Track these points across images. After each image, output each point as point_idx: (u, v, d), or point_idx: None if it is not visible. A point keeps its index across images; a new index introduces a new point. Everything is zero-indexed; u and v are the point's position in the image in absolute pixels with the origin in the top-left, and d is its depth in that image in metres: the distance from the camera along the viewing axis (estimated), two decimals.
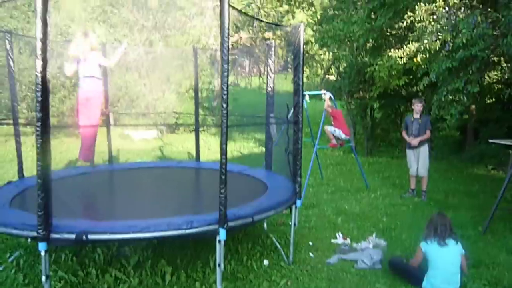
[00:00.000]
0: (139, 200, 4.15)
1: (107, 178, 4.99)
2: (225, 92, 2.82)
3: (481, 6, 6.58)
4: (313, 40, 14.77)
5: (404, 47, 6.80)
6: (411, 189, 6.94)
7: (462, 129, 13.75)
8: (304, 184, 6.73)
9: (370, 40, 10.52)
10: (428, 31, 6.29)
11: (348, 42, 11.65)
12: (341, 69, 14.32)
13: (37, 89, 2.60)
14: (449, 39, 6.17)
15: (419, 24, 6.67)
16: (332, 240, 4.76)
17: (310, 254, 4.34)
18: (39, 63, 2.60)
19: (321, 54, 16.36)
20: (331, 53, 13.99)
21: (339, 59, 11.95)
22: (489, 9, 6.52)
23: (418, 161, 6.70)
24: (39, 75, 2.60)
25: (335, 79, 16.41)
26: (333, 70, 16.65)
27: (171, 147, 12.20)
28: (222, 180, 2.85)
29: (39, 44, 2.57)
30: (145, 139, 13.12)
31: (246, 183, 4.67)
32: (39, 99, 2.61)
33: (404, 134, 6.91)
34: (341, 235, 4.84)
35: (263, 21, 10.64)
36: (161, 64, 14.12)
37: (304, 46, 12.93)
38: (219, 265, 2.97)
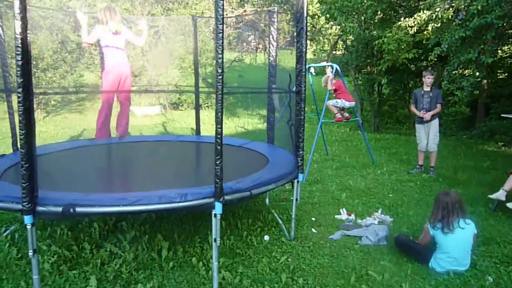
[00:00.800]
0: (134, 173, 4.01)
1: (104, 152, 4.83)
2: (220, 56, 2.61)
3: None
4: (319, 13, 14.31)
5: (415, 16, 6.46)
6: (419, 165, 6.73)
7: (472, 104, 13.40)
8: (309, 159, 6.55)
9: (379, 11, 10.09)
10: None
11: (355, 14, 11.23)
12: (348, 43, 13.92)
13: (17, 52, 2.40)
14: (462, 7, 5.83)
15: None
16: (336, 216, 4.60)
17: (313, 230, 4.20)
18: (18, 24, 2.39)
19: (327, 28, 15.88)
20: (338, 27, 13.54)
21: (346, 33, 11.52)
22: None
23: (428, 136, 6.47)
24: (18, 37, 2.40)
25: (342, 54, 16.02)
26: (340, 45, 16.22)
27: (174, 123, 12.02)
28: (218, 151, 2.67)
29: (17, 3, 2.35)
30: (148, 114, 12.95)
31: (246, 157, 4.50)
32: (20, 63, 2.41)
33: (413, 108, 6.63)
34: (345, 211, 4.69)
35: None
36: (163, 38, 13.82)
37: (311, 20, 12.46)
38: (215, 240, 2.82)
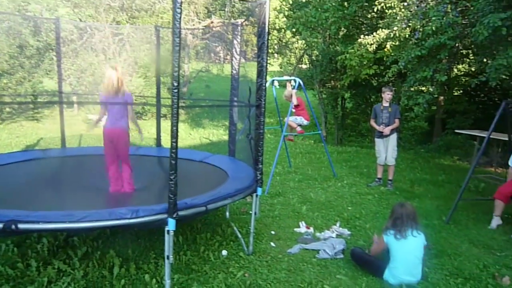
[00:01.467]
0: (86, 188, 3.85)
1: (56, 165, 4.63)
2: (176, 69, 2.57)
3: None
4: (286, 27, 14.56)
5: (374, 33, 6.68)
6: (378, 178, 6.89)
7: (430, 120, 13.95)
8: (271, 172, 6.57)
9: (342, 27, 10.38)
10: (398, 18, 6.18)
11: (320, 29, 11.50)
12: (313, 57, 14.22)
13: None
14: (418, 27, 6.08)
15: (390, 11, 6.56)
16: (295, 229, 4.61)
17: (272, 243, 4.18)
18: None
19: (293, 42, 16.17)
20: (303, 42, 13.83)
21: (311, 47, 11.77)
22: None
23: (387, 150, 6.64)
24: None
25: (307, 68, 16.33)
26: (305, 58, 16.55)
27: (136, 133, 11.74)
28: (173, 166, 2.61)
29: None
30: None
31: (206, 171, 4.45)
32: None
33: (372, 123, 6.80)
34: (304, 224, 4.71)
35: None
36: (128, 46, 13.60)
37: (277, 33, 12.62)
38: (168, 258, 2.75)
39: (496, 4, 5.33)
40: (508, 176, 5.16)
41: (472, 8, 5.84)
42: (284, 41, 16.76)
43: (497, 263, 3.87)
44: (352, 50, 9.45)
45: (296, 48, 17.37)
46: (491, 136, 5.47)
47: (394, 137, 6.60)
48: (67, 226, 2.50)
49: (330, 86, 14.02)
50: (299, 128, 7.30)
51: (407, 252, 3.36)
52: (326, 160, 8.30)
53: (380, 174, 6.88)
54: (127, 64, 12.93)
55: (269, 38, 16.17)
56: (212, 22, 14.90)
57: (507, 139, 5.66)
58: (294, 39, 16.28)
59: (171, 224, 2.70)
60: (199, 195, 3.13)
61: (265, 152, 9.43)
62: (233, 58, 4.74)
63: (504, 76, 5.20)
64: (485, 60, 6.16)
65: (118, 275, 3.29)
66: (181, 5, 2.57)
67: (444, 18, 5.83)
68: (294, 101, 7.04)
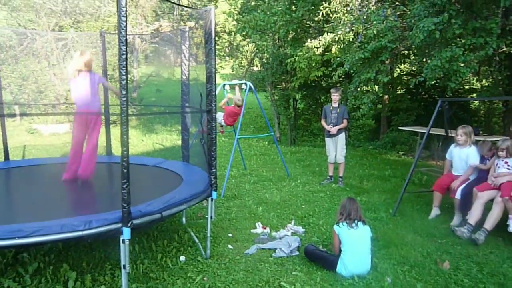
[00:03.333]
0: (36, 200, 3.71)
1: (2, 177, 4.41)
2: (124, 78, 2.57)
3: None
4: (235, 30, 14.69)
5: (320, 37, 6.94)
6: (329, 175, 7.16)
7: (377, 118, 14.64)
8: (226, 175, 6.62)
9: (291, 31, 10.65)
10: (342, 23, 6.47)
11: (269, 32, 11.72)
12: (264, 60, 14.45)
13: None
14: (361, 31, 6.40)
15: (334, 15, 6.84)
16: (252, 230, 4.71)
17: (229, 246, 4.24)
18: None
19: (244, 45, 16.33)
20: (253, 45, 14.01)
21: (261, 50, 11.97)
22: (397, 3, 6.90)
23: (336, 148, 6.92)
24: None
25: (259, 70, 16.55)
26: (256, 61, 16.77)
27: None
28: (124, 174, 2.61)
29: None
30: (56, 133, 12.11)
31: (160, 177, 4.43)
32: None
33: (323, 123, 7.05)
34: (260, 224, 4.81)
35: (174, 3, 10.24)
36: (73, 52, 13.08)
37: (228, 36, 12.69)
38: (124, 267, 2.73)
39: (430, 9, 5.73)
40: (445, 168, 5.56)
41: (409, 12, 6.23)
42: (234, 44, 16.87)
43: (439, 249, 4.17)
44: (301, 53, 9.74)
45: (247, 51, 17.55)
46: (431, 132, 5.88)
47: (342, 136, 6.89)
48: (16, 243, 2.42)
49: (281, 88, 14.32)
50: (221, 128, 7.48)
51: (356, 244, 3.57)
52: (280, 161, 8.49)
53: (331, 172, 7.15)
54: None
55: (220, 41, 16.21)
56: (160, 26, 14.70)
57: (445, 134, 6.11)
58: (244, 42, 16.44)
59: (126, 233, 2.69)
60: (154, 202, 3.13)
61: (220, 156, 9.53)
62: (183, 64, 4.76)
63: (439, 76, 5.58)
64: (424, 60, 6.58)
65: None
66: (126, 13, 2.58)
67: (384, 22, 6.18)
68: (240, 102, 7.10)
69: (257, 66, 17.09)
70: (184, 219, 4.91)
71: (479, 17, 5.37)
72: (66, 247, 4.02)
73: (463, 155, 5.15)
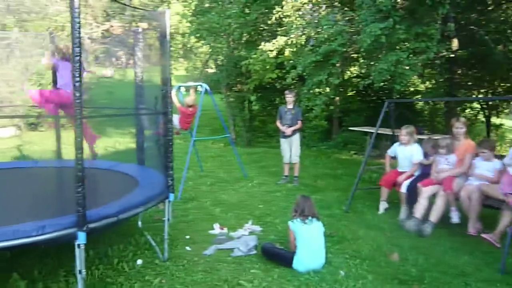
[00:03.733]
0: None
1: None
2: (77, 80, 2.53)
3: (340, 4, 7.23)
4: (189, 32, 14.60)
5: (274, 41, 7.10)
6: (285, 175, 7.33)
7: (329, 119, 15.10)
8: (182, 177, 6.59)
9: (245, 33, 10.77)
10: (294, 27, 6.66)
11: (223, 35, 11.78)
12: (218, 62, 14.48)
13: None
14: (313, 35, 6.62)
15: (287, 19, 7.03)
16: (210, 231, 4.73)
17: (187, 248, 4.24)
18: None
19: (198, 47, 16.26)
20: (208, 46, 14.01)
21: (215, 52, 12.00)
22: (346, 8, 7.20)
23: (291, 149, 7.09)
24: None
25: (214, 72, 16.54)
26: (211, 63, 16.75)
27: (32, 146, 10.86)
28: (79, 177, 2.56)
29: None
30: (0, 137, 11.45)
31: (115, 180, 4.34)
32: None
33: (278, 124, 7.21)
34: (218, 225, 4.85)
35: (127, 5, 10.06)
36: (18, 52, 12.45)
37: (181, 38, 12.59)
38: (80, 272, 2.67)
39: (376, 14, 6.05)
40: (386, 164, 5.86)
41: (357, 18, 6.53)
42: (188, 46, 16.74)
43: (388, 242, 4.42)
44: (255, 56, 9.88)
45: (201, 52, 17.48)
46: (380, 131, 6.19)
47: (297, 137, 7.08)
48: None
49: (236, 90, 14.41)
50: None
51: (311, 239, 3.70)
52: (236, 162, 8.55)
53: (286, 172, 7.32)
54: (17, 71, 11.83)
55: (173, 43, 16.00)
56: (112, 26, 14.30)
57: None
58: (199, 44, 16.36)
59: (81, 238, 2.64)
60: (109, 205, 3.09)
61: (176, 158, 9.38)
62: (136, 66, 4.70)
63: (386, 78, 5.90)
64: (372, 63, 6.92)
65: None
66: (79, 15, 2.54)
67: (334, 27, 6.43)
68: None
69: (212, 68, 17.07)
70: (140, 223, 4.81)
71: (421, 23, 5.74)
72: (15, 255, 3.85)
73: (407, 153, 5.48)
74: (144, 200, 3.36)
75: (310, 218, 3.77)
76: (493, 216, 4.58)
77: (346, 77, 15.11)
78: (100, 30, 13.60)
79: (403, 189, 5.24)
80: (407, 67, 5.71)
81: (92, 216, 2.76)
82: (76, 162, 2.55)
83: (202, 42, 14.00)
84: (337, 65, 10.21)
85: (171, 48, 14.49)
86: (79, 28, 2.49)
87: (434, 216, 4.68)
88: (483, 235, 4.18)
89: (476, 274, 3.67)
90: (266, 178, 7.69)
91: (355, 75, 15.34)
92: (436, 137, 6.69)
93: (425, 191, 4.91)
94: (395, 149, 5.71)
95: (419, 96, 13.61)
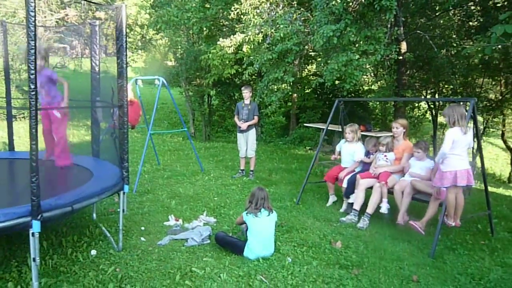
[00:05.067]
0: None
1: None
2: (32, 72, 2.58)
3: (297, 4, 7.50)
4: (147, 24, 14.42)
5: (232, 37, 7.26)
6: (241, 169, 7.53)
7: (287, 115, 15.50)
8: (138, 170, 6.63)
9: (204, 28, 10.83)
10: (252, 24, 6.84)
11: (183, 28, 11.77)
12: (178, 55, 14.42)
13: None
14: (269, 33, 6.84)
15: (245, 16, 7.20)
16: (165, 223, 4.85)
17: (142, 238, 4.35)
18: None
19: (157, 39, 16.08)
20: (167, 39, 13.90)
21: (174, 45, 11.97)
22: (302, 9, 7.48)
23: (247, 143, 7.30)
24: None
25: (172, 65, 16.43)
26: (170, 56, 16.62)
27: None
28: (33, 168, 2.62)
29: None
30: None
31: (69, 172, 4.36)
32: None
33: (235, 119, 7.38)
34: (173, 217, 4.97)
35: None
36: None
37: (140, 30, 12.43)
38: (34, 260, 2.74)
39: (329, 16, 6.35)
40: (332, 156, 6.18)
41: (312, 18, 6.82)
42: (147, 37, 16.51)
43: (333, 232, 4.74)
44: (214, 51, 9.99)
45: (161, 45, 17.29)
46: (332, 128, 6.53)
47: (253, 132, 7.30)
48: None
49: (196, 84, 14.43)
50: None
51: (261, 231, 3.93)
52: (194, 156, 8.66)
53: (242, 166, 7.53)
54: None
55: (132, 33, 15.62)
56: (67, 15, 13.85)
57: None
58: (158, 36, 16.18)
59: (36, 226, 2.71)
60: (64, 195, 3.15)
61: (132, 151, 9.41)
62: (92, 58, 4.72)
63: (336, 77, 6.22)
64: (328, 62, 7.23)
65: None
66: (35, 8, 2.60)
67: (290, 26, 6.68)
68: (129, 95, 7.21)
69: (171, 60, 16.93)
70: (94, 215, 4.87)
71: (370, 27, 6.11)
72: None
73: (350, 150, 5.81)
74: (98, 191, 3.44)
75: (262, 209, 3.98)
76: (420, 209, 5.01)
77: (303, 74, 15.56)
78: (54, 18, 13.12)
79: (344, 183, 5.57)
80: (357, 68, 6.06)
81: (47, 206, 2.82)
82: (31, 153, 2.61)
83: (162, 34, 13.89)
84: (295, 63, 10.55)
85: (130, 39, 14.25)
86: (34, 21, 2.54)
87: (370, 208, 5.04)
88: (411, 222, 4.55)
89: (410, 259, 4.06)
90: (222, 171, 7.87)
91: (312, 73, 15.82)
92: (381, 135, 7.14)
93: (362, 183, 5.23)
94: (341, 144, 6.04)
95: (372, 95, 14.27)
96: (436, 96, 12.47)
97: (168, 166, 8.19)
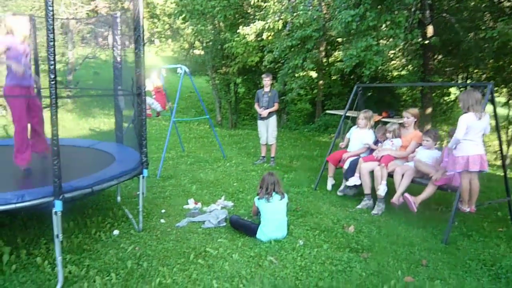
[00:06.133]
0: None
1: None
2: (52, 62, 2.78)
3: None
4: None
5: (251, 25, 7.31)
6: (262, 156, 7.65)
7: (313, 102, 15.42)
8: (162, 157, 6.86)
9: (228, 16, 10.91)
10: (271, 11, 6.88)
11: (208, 17, 11.89)
12: (204, 44, 14.59)
13: None
14: (289, 19, 6.85)
15: (266, 3, 7.23)
16: (184, 206, 5.05)
17: (162, 220, 4.57)
18: None
19: (184, 28, 16.29)
20: (193, 28, 14.09)
21: (199, 34, 12.12)
22: None
23: (268, 130, 7.39)
24: None
25: (199, 54, 16.64)
26: (197, 45, 16.81)
27: None
28: (55, 152, 2.84)
29: None
30: None
31: (93, 157, 4.62)
32: None
33: (256, 106, 7.49)
34: (192, 200, 5.17)
35: None
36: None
37: (167, 19, 12.64)
38: (57, 236, 2.98)
39: (349, 1, 6.29)
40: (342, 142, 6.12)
41: (332, 3, 6.77)
42: (175, 27, 16.75)
43: (348, 217, 4.79)
44: (238, 39, 10.07)
45: (188, 34, 17.50)
46: (353, 115, 6.46)
47: (273, 119, 7.38)
48: None
49: (222, 72, 14.59)
50: (149, 111, 8.00)
51: (274, 212, 4.05)
52: (217, 143, 8.86)
53: (263, 153, 7.65)
54: None
55: (160, 23, 15.83)
56: (96, 7, 14.27)
57: None
58: (184, 25, 16.39)
59: (58, 206, 2.93)
60: (86, 178, 3.38)
61: (159, 138, 9.68)
62: (114, 48, 4.92)
63: (355, 63, 6.18)
64: (344, 49, 7.18)
65: (9, 261, 3.40)
66: (53, 2, 2.77)
67: (310, 12, 6.66)
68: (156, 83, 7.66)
69: (198, 49, 17.14)
70: (119, 198, 5.15)
71: (390, 11, 6.01)
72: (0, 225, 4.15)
73: (360, 136, 5.75)
74: (117, 174, 3.65)
75: (274, 194, 4.09)
76: (418, 192, 4.87)
77: (330, 61, 15.38)
78: (84, 10, 13.57)
79: (346, 165, 5.54)
80: (376, 54, 5.99)
81: (69, 187, 3.05)
82: (52, 137, 2.82)
83: (188, 23, 14.08)
84: (321, 49, 10.47)
85: (158, 29, 14.44)
86: (53, 15, 2.72)
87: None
88: (406, 195, 4.51)
89: (422, 244, 4.07)
90: (244, 158, 8.02)
91: (339, 59, 15.61)
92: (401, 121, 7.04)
93: (364, 167, 5.16)
94: (351, 130, 5.98)
95: (401, 81, 13.94)
96: (468, 82, 12.07)
97: (192, 153, 8.42)
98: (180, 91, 7.23)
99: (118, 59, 4.95)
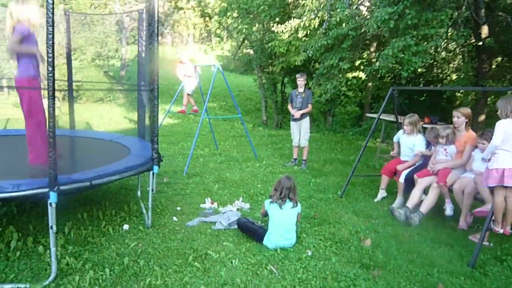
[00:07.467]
0: None
1: None
2: (50, 56, 2.80)
3: None
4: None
5: (286, 23, 7.10)
6: (294, 158, 7.42)
7: (361, 105, 14.84)
8: (189, 154, 6.85)
9: (272, 15, 10.76)
10: (307, 9, 6.63)
11: (252, 15, 11.83)
12: (251, 42, 14.55)
13: None
14: (326, 18, 6.56)
15: (303, 1, 6.99)
16: (201, 205, 4.99)
17: (174, 218, 4.52)
18: None
19: (235, 27, 16.37)
20: (242, 27, 14.09)
21: (243, 33, 12.08)
22: None
23: (300, 132, 7.16)
24: None
25: (247, 53, 16.64)
26: (245, 44, 16.83)
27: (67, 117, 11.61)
28: (51, 143, 2.86)
29: None
30: None
31: (110, 150, 4.68)
32: None
33: (289, 107, 7.28)
34: (209, 199, 5.09)
35: None
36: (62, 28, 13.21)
37: (217, 17, 12.68)
38: (51, 228, 3.01)
39: None
40: (395, 149, 5.78)
41: (372, 1, 6.38)
42: (224, 25, 16.89)
43: (368, 228, 4.45)
44: (281, 37, 9.88)
45: (237, 32, 17.59)
46: (392, 120, 6.08)
47: (306, 120, 7.12)
48: None
49: (268, 71, 14.46)
50: (183, 107, 8.22)
51: (283, 219, 3.84)
52: (254, 142, 8.75)
53: (295, 155, 7.41)
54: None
55: (212, 22, 15.97)
56: None
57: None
58: (234, 25, 16.48)
59: (53, 197, 2.96)
60: (88, 171, 3.40)
61: (199, 135, 9.78)
62: (139, 44, 4.96)
63: (392, 64, 5.77)
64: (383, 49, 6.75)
65: (16, 247, 3.51)
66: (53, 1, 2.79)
67: (347, 10, 6.33)
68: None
69: (246, 48, 17.15)
70: (139, 192, 5.19)
71: (433, 8, 5.53)
72: (20, 212, 4.33)
73: (409, 143, 5.40)
74: (121, 169, 3.64)
75: (287, 201, 3.88)
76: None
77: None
78: (138, 8, 14.08)
79: (401, 179, 5.20)
80: (416, 54, 5.54)
81: (65, 179, 3.07)
82: (48, 130, 2.84)
83: (238, 22, 14.11)
84: (371, 49, 9.98)
85: (207, 28, 14.59)
86: (53, 8, 2.73)
87: (424, 207, 4.63)
88: (471, 238, 4.15)
89: (445, 266, 3.66)
90: (276, 159, 7.83)
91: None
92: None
93: (420, 182, 4.87)
94: (399, 136, 5.64)
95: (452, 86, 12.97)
96: None
97: (225, 151, 8.38)
98: (212, 88, 7.20)
99: (143, 54, 4.99)
